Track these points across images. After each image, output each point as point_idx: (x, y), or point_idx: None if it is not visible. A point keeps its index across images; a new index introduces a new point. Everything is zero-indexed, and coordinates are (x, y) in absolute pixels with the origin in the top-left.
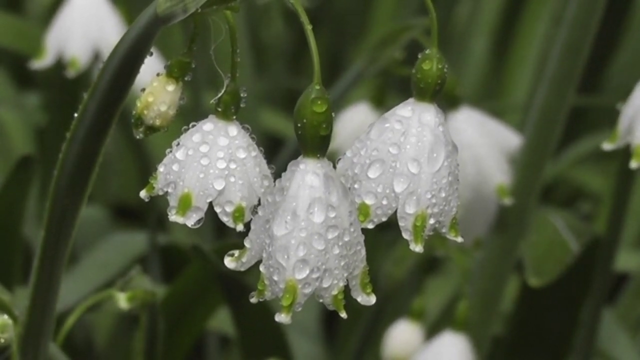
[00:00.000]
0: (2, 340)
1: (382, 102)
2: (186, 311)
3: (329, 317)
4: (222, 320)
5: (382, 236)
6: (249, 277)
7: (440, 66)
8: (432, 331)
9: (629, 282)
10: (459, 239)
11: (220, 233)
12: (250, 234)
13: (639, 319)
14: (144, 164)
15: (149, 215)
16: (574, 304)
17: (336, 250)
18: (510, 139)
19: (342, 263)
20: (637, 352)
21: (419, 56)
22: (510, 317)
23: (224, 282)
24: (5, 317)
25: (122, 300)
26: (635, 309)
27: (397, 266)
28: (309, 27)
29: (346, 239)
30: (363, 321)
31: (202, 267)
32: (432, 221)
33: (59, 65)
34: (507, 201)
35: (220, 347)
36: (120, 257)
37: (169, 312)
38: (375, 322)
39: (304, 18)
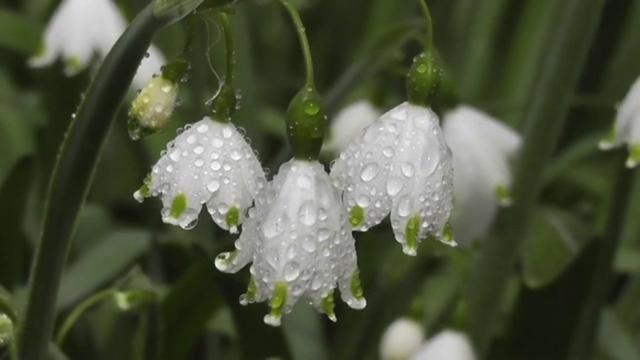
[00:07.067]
0: (2, 340)
1: (382, 102)
2: (186, 311)
3: (328, 318)
4: (222, 321)
5: (381, 236)
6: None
7: (435, 70)
8: (431, 331)
9: (629, 282)
10: (453, 243)
11: (221, 233)
12: (241, 236)
13: (639, 319)
14: (143, 164)
15: (149, 214)
16: (574, 304)
17: (326, 253)
18: (509, 139)
19: (333, 266)
20: (637, 352)
21: (414, 60)
22: (510, 318)
23: (224, 282)
24: (5, 317)
25: (122, 301)
26: (635, 309)
27: (396, 266)
28: (302, 30)
29: (337, 242)
30: (363, 321)
31: (203, 267)
32: (425, 225)
33: (59, 64)
34: (506, 202)
35: (220, 347)
36: (121, 255)
37: (170, 312)
38: (375, 323)
39: (297, 21)
